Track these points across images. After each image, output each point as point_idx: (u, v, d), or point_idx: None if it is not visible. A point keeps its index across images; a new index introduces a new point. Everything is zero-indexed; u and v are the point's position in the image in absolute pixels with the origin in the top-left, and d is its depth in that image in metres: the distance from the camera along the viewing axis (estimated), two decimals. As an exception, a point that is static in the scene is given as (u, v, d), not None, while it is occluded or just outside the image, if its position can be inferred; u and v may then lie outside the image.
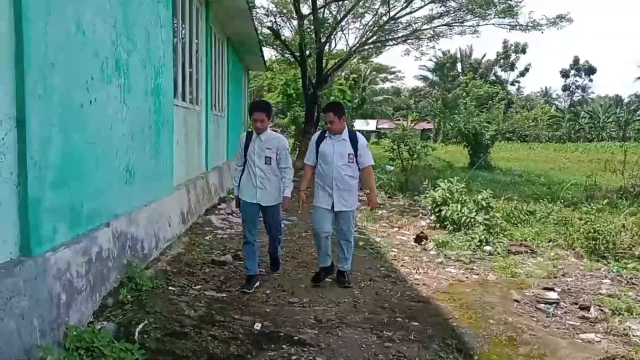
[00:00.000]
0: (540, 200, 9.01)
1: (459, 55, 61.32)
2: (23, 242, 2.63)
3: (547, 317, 4.07)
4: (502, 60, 62.60)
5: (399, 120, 39.04)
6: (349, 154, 4.52)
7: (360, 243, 6.51)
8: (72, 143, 3.14)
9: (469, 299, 4.28)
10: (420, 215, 8.72)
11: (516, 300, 4.34)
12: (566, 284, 4.92)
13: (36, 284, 2.63)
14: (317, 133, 4.76)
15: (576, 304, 4.32)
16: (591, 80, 67.65)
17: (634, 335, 3.63)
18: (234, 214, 8.06)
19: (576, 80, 67.33)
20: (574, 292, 4.65)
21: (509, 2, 15.57)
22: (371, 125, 55.81)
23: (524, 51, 61.81)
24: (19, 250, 2.62)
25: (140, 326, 3.16)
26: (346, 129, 4.60)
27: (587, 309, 4.20)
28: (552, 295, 4.48)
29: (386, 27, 17.20)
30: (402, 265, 5.59)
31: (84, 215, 3.34)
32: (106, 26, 3.70)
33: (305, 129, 17.56)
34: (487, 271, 5.45)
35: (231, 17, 9.96)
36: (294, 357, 3.20)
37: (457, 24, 17.02)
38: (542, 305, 4.27)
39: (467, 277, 5.21)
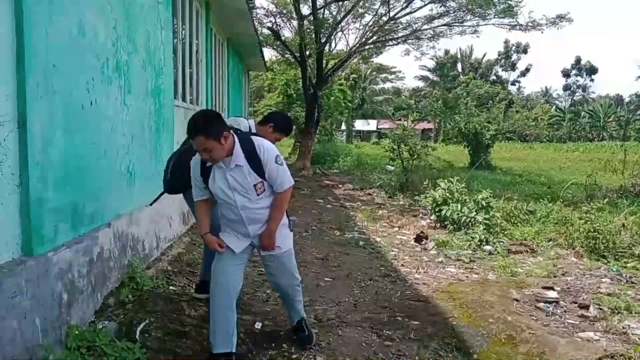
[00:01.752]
0: (541, 200, 9.02)
1: (459, 55, 61.35)
2: (25, 242, 2.65)
3: (547, 316, 4.09)
4: (503, 60, 62.63)
5: (399, 120, 39.06)
6: (255, 185, 2.90)
7: (361, 243, 6.53)
8: (73, 144, 3.16)
9: (469, 298, 4.29)
10: (421, 214, 8.73)
11: (516, 299, 4.35)
12: (566, 283, 4.94)
13: (38, 284, 2.65)
14: (195, 159, 2.96)
15: (575, 302, 4.34)
16: (592, 80, 67.71)
17: (632, 334, 3.65)
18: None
19: (577, 80, 67.41)
20: (574, 291, 4.66)
21: (508, 2, 15.56)
22: (372, 125, 55.92)
23: (525, 51, 61.86)
24: (21, 250, 2.64)
25: (142, 325, 3.18)
26: (237, 144, 2.85)
27: (587, 307, 4.21)
28: (552, 294, 4.50)
29: (386, 27, 17.21)
30: (402, 265, 5.60)
31: (86, 215, 3.36)
32: (107, 28, 3.72)
33: (305, 129, 17.59)
34: (487, 270, 5.46)
35: (231, 18, 9.99)
36: (294, 356, 3.22)
37: (457, 24, 17.01)
38: (541, 304, 4.29)
39: (467, 277, 5.23)
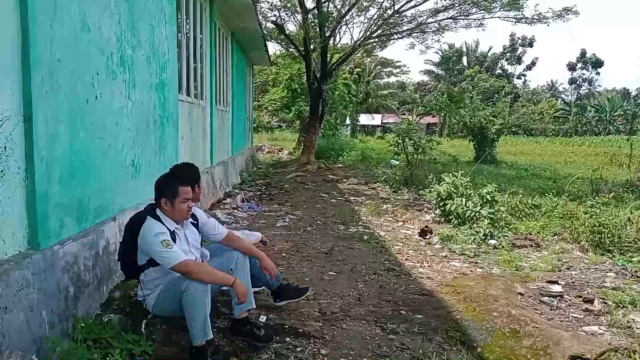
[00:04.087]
0: (546, 194, 8.99)
1: (464, 49, 61.07)
2: (31, 235, 2.67)
3: (551, 309, 4.08)
4: (509, 54, 62.27)
5: (404, 114, 38.94)
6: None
7: (365, 237, 6.54)
8: (78, 138, 3.18)
9: (473, 292, 4.29)
10: (425, 209, 8.73)
11: (520, 293, 4.35)
12: (570, 277, 4.93)
13: (45, 277, 2.68)
14: (157, 226, 3.03)
15: (580, 296, 4.33)
16: (598, 74, 67.21)
17: (637, 328, 3.64)
18: (239, 209, 8.10)
19: (583, 74, 66.95)
20: (578, 285, 4.65)
21: (514, -6, 15.45)
22: (376, 119, 55.79)
23: (531, 45, 61.51)
24: (28, 244, 2.66)
25: (147, 318, 3.20)
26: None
27: (591, 301, 4.20)
28: (556, 288, 4.49)
29: (391, 20, 17.11)
30: (406, 259, 5.61)
31: (91, 209, 3.39)
32: (111, 22, 3.73)
33: (310, 124, 17.58)
34: (491, 265, 5.46)
35: (235, 12, 9.97)
36: (298, 349, 3.24)
37: (462, 17, 16.91)
38: (545, 298, 4.28)
39: (471, 271, 5.23)
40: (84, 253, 3.20)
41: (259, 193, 10.31)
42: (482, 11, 16.41)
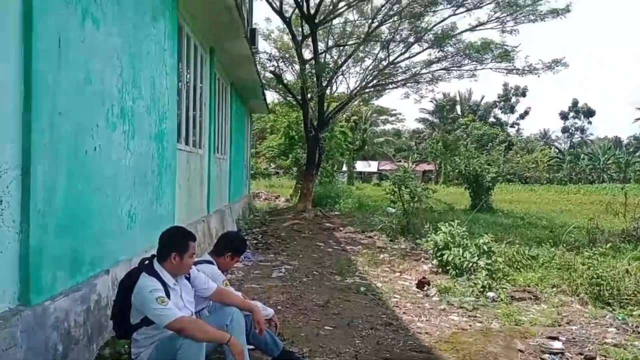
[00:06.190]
0: (543, 244, 8.95)
1: (458, 98, 62.41)
2: (22, 291, 2.62)
3: (553, 367, 3.98)
4: (502, 103, 63.66)
5: (400, 161, 39.29)
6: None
7: (362, 288, 6.44)
8: (76, 190, 3.17)
9: (472, 349, 4.19)
10: (422, 259, 8.65)
11: (520, 350, 4.25)
12: (571, 332, 4.83)
13: (33, 334, 2.60)
14: (153, 282, 2.92)
15: (581, 354, 4.23)
16: (590, 122, 68.57)
17: (642, 388, 3.54)
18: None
19: (575, 122, 68.28)
20: (579, 341, 4.56)
21: (505, 47, 15.98)
22: (373, 166, 56.20)
23: (524, 94, 63.02)
24: (18, 300, 2.60)
25: (137, 377, 3.09)
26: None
27: (593, 359, 4.10)
28: (557, 344, 4.39)
29: (386, 71, 17.60)
30: (404, 313, 5.50)
31: (85, 262, 3.34)
32: (113, 75, 3.80)
33: (307, 171, 17.69)
34: (490, 319, 5.35)
35: (235, 63, 10.23)
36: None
37: (455, 68, 17.41)
38: (546, 356, 4.18)
39: (470, 325, 5.12)
40: (75, 308, 3.12)
41: (255, 242, 10.22)
42: (474, 62, 16.93)
